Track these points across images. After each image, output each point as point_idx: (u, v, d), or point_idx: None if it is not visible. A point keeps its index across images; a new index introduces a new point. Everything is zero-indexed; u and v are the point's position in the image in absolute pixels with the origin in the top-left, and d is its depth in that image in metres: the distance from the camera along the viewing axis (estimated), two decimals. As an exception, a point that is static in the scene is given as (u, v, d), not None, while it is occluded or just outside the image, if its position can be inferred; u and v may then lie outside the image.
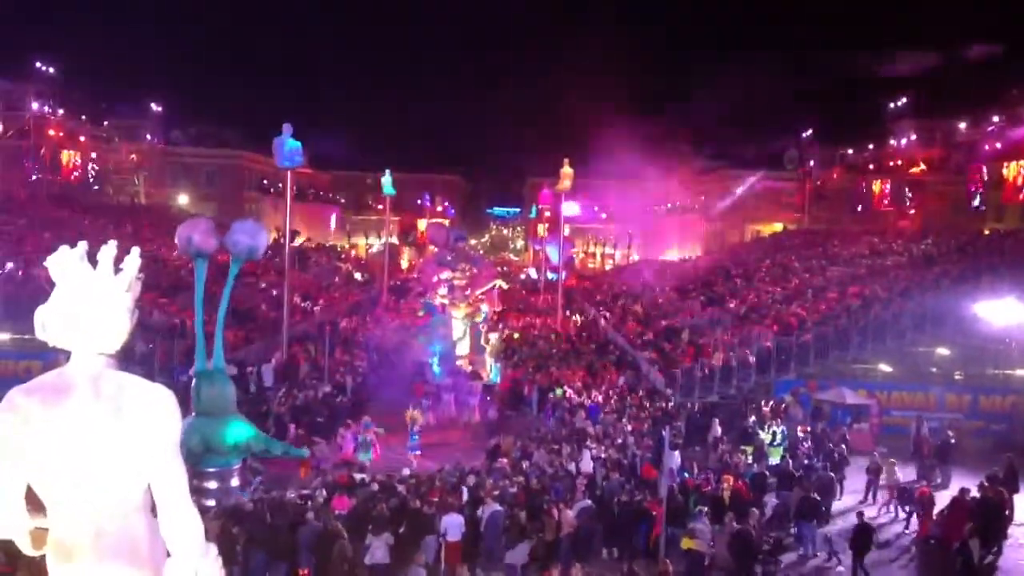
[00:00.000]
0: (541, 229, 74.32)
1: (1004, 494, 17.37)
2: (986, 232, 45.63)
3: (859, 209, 62.05)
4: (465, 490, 18.33)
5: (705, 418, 26.04)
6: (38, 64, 53.55)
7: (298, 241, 67.29)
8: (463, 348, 34.23)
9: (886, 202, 59.34)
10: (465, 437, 27.30)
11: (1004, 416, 27.41)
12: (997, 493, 17.19)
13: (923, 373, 28.93)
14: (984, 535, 15.31)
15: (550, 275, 65.15)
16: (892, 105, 57.81)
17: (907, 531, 19.28)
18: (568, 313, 49.71)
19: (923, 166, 56.00)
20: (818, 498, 18.40)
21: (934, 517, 17.60)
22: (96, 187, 60.78)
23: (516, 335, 39.75)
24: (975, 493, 17.45)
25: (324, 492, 18.04)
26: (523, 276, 74.15)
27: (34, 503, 3.06)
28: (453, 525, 15.80)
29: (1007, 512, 17.17)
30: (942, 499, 18.68)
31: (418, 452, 23.83)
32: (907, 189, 57.11)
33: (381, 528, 15.31)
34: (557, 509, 16.75)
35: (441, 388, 29.81)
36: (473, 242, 78.77)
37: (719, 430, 24.47)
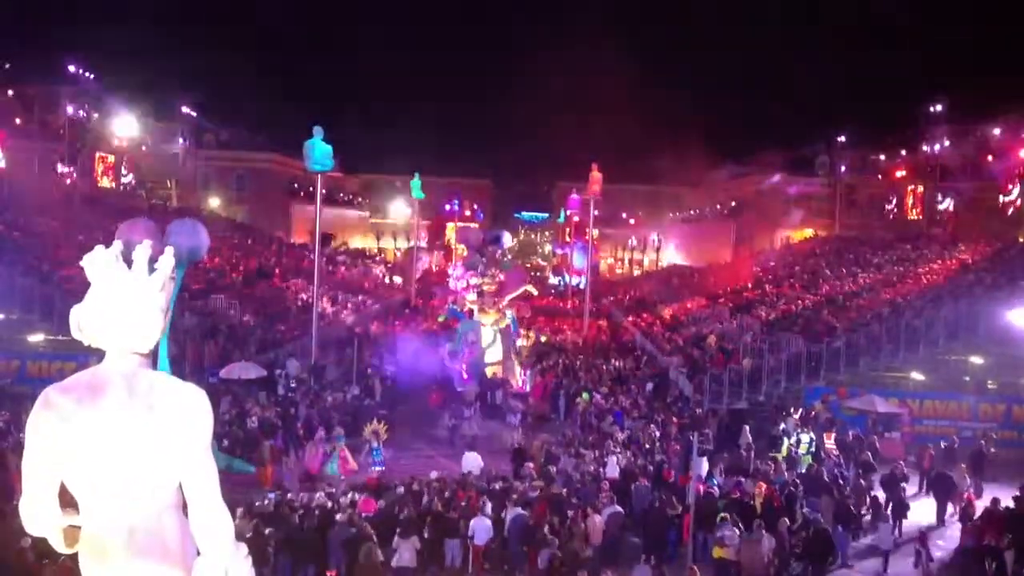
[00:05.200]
0: (568, 235, 74.24)
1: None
2: (1021, 239, 45.03)
3: (891, 216, 61.44)
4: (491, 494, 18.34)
5: (735, 424, 25.89)
6: (72, 68, 54.20)
7: (333, 244, 67.82)
8: (492, 355, 34.08)
9: (918, 209, 58.72)
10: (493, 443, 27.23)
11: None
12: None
13: (956, 382, 28.59)
14: (1021, 548, 15.10)
15: (571, 279, 65.20)
16: (925, 110, 57.13)
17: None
18: (596, 318, 49.62)
19: (956, 172, 55.28)
20: (853, 507, 18.27)
21: (968, 527, 17.42)
22: (129, 190, 61.45)
23: (544, 339, 39.64)
24: (1008, 503, 17.23)
25: (353, 494, 18.10)
26: (550, 284, 74.17)
27: (67, 501, 3.09)
28: (481, 528, 15.80)
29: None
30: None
31: (381, 468, 22.36)
32: (940, 196, 56.44)
33: (409, 532, 15.34)
34: (584, 515, 16.70)
35: (465, 400, 29.54)
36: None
37: (750, 437, 24.32)
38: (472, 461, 21.84)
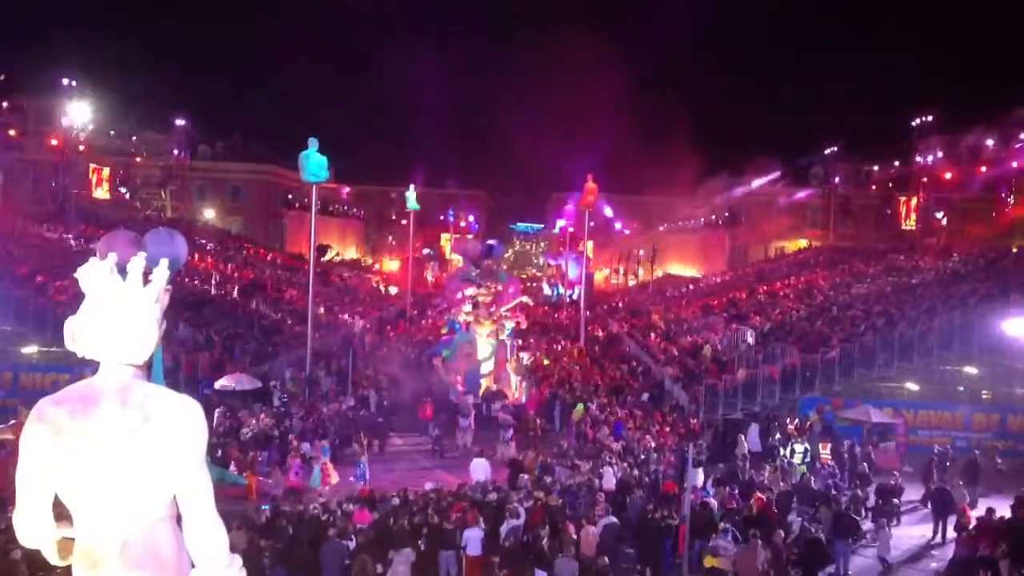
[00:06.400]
0: (563, 245, 74.29)
1: (1034, 515, 17.11)
2: (1014, 249, 45.18)
3: (885, 226, 61.64)
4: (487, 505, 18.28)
5: (730, 435, 25.92)
6: (67, 79, 54.24)
7: (329, 255, 67.86)
8: (488, 367, 33.94)
9: (912, 219, 58.92)
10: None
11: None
12: (1027, 514, 16.95)
13: (950, 392, 28.62)
14: (1015, 556, 15.09)
15: (565, 291, 65.22)
16: (918, 121, 57.38)
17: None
18: (591, 329, 49.56)
19: (949, 183, 55.52)
20: (854, 516, 18.27)
21: (963, 538, 17.40)
22: (124, 201, 61.47)
23: (544, 358, 39.22)
24: (1001, 514, 17.22)
25: (349, 505, 18.04)
26: (543, 295, 74.08)
27: (61, 513, 3.08)
28: (473, 539, 15.76)
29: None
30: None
31: (363, 483, 21.89)
32: (934, 206, 56.67)
33: (404, 543, 15.29)
34: (576, 526, 16.63)
35: (462, 411, 29.44)
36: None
37: (746, 447, 24.31)
38: (481, 468, 21.93)
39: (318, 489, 21.81)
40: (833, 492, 20.34)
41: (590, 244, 60.13)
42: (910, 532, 20.36)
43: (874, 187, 63.98)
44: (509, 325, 35.59)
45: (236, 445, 23.31)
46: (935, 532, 19.95)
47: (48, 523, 3.08)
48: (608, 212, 77.93)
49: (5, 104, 52.67)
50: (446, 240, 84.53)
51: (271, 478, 22.23)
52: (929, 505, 20.76)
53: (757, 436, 25.64)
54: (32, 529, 3.08)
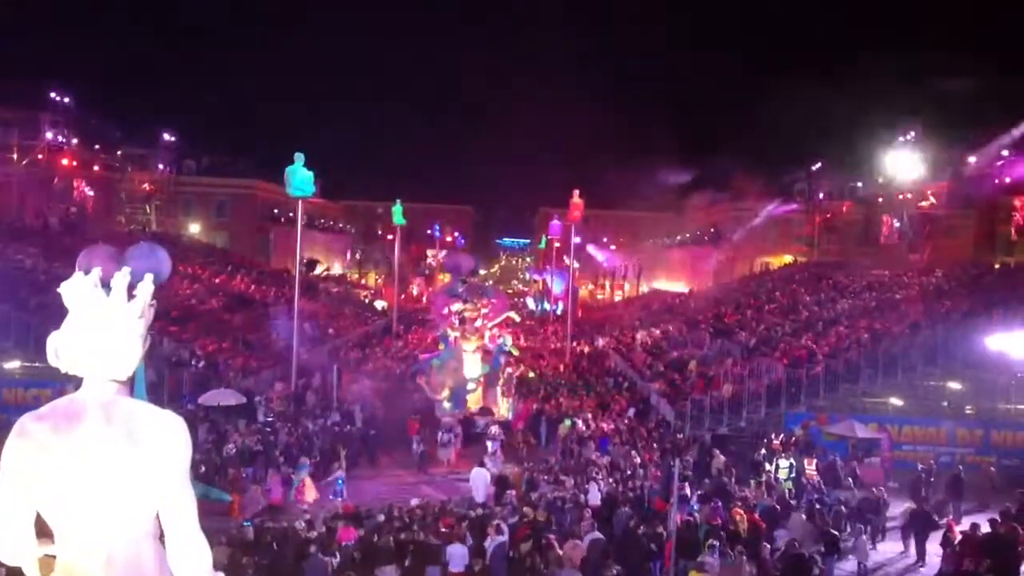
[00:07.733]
0: (551, 260, 74.38)
1: (1018, 530, 17.14)
2: (996, 266, 45.49)
3: (869, 242, 61.89)
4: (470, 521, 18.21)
5: (710, 449, 25.91)
6: (52, 94, 54.02)
7: (319, 270, 67.65)
8: (474, 383, 33.72)
9: (896, 234, 59.18)
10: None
11: (1016, 451, 27.19)
12: (1010, 529, 16.98)
13: (934, 407, 28.76)
14: (998, 572, 15.12)
15: (547, 306, 65.25)
16: (900, 137, 57.65)
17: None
18: (577, 344, 49.59)
19: (932, 199, 55.81)
20: (837, 533, 18.28)
21: (947, 553, 17.43)
22: (108, 216, 61.17)
23: (530, 373, 39.12)
24: (986, 529, 17.27)
25: (333, 522, 17.94)
26: (527, 310, 74.08)
27: (42, 529, 3.06)
28: (456, 556, 15.70)
29: (1020, 548, 16.93)
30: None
31: (342, 499, 21.75)
32: (917, 222, 56.94)
33: (390, 560, 15.20)
34: (561, 542, 16.57)
35: (446, 427, 29.30)
36: (483, 272, 79.21)
37: (722, 459, 24.29)
38: (482, 478, 21.88)
39: (300, 506, 21.67)
40: (818, 507, 20.35)
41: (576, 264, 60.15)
42: (895, 548, 20.38)
43: (858, 203, 64.25)
44: (507, 339, 35.42)
45: (220, 462, 23.14)
46: (918, 554, 19.89)
47: (30, 540, 3.05)
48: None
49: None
50: (431, 255, 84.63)
51: (252, 495, 22.06)
52: (909, 522, 20.79)
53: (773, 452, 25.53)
54: (14, 546, 3.05)
